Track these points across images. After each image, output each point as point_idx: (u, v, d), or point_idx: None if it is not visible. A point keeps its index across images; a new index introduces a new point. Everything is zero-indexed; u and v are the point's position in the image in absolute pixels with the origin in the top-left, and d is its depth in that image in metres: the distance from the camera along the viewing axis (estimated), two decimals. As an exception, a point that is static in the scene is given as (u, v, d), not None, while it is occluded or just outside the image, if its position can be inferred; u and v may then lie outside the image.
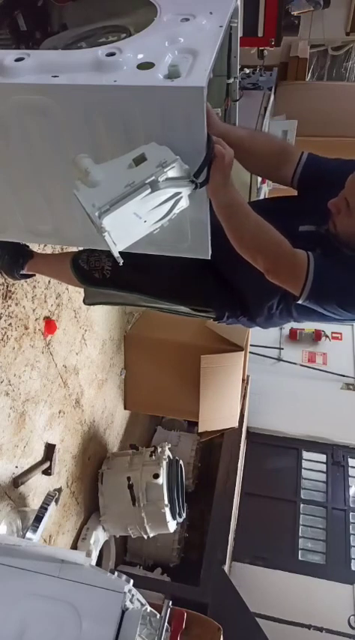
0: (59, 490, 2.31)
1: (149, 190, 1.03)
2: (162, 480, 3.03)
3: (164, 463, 3.10)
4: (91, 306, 2.09)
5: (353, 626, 3.74)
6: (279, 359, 5.47)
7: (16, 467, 2.20)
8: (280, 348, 5.54)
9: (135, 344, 3.61)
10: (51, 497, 2.17)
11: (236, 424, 3.82)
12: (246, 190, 3.26)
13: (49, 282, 2.30)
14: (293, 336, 5.62)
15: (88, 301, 1.92)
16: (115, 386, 3.53)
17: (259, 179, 3.23)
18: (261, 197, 3.37)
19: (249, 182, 3.23)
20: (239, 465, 4.31)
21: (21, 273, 1.95)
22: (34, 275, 2.06)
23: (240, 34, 1.50)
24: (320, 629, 3.70)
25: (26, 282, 2.09)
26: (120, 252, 1.10)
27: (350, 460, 4.89)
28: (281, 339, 5.64)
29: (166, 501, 3.03)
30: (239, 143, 1.29)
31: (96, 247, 1.60)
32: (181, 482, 3.20)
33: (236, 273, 1.56)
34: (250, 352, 4.22)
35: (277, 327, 5.54)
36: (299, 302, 1.32)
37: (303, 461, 4.88)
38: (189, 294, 1.68)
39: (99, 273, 1.72)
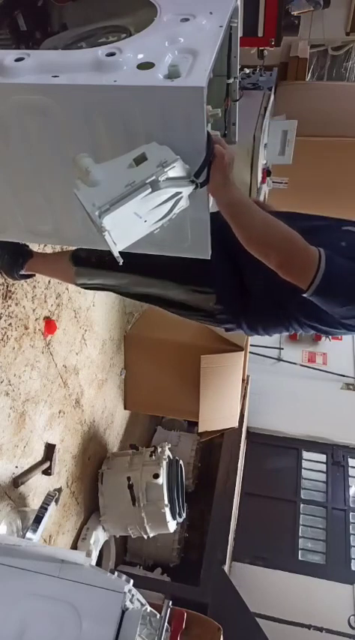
0: (59, 490, 2.31)
1: (149, 190, 1.03)
2: (162, 479, 3.03)
3: (164, 463, 3.10)
4: (86, 290, 1.99)
5: (353, 626, 3.74)
6: (279, 359, 5.47)
7: (16, 467, 2.20)
8: (280, 348, 5.54)
9: (135, 344, 3.61)
10: (51, 497, 2.17)
11: (236, 424, 3.82)
12: (246, 190, 3.26)
13: (49, 282, 2.30)
14: (293, 336, 5.62)
15: (79, 280, 1.81)
16: (115, 386, 3.53)
17: (259, 178, 3.24)
18: (261, 197, 3.38)
19: (249, 182, 3.23)
20: (239, 465, 4.31)
21: (20, 273, 1.95)
22: (34, 275, 2.05)
23: (240, 34, 1.50)
24: (320, 629, 3.70)
25: (26, 282, 2.09)
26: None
27: (350, 460, 4.89)
28: (281, 339, 5.64)
29: (166, 501, 3.03)
30: None
31: (97, 247, 1.59)
32: (181, 482, 3.19)
33: (247, 266, 1.52)
34: (250, 352, 4.22)
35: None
36: (305, 295, 1.30)
37: (303, 461, 4.88)
38: (190, 272, 1.59)
39: (96, 258, 1.71)
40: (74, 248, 1.80)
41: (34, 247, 1.99)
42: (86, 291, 2.72)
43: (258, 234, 1.26)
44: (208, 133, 1.10)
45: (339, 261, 1.30)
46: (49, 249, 2.14)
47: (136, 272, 1.65)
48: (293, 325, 1.61)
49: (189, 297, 1.65)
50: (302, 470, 4.82)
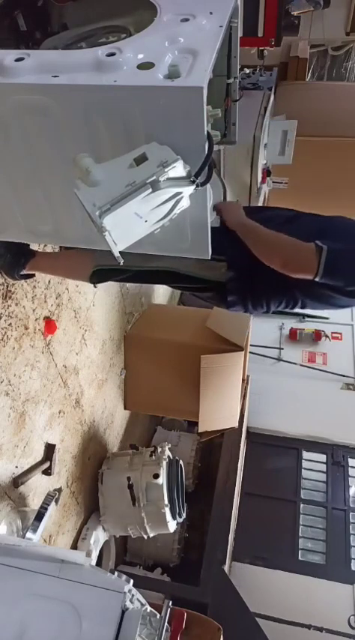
0: (59, 490, 2.31)
1: (150, 190, 1.03)
2: (162, 479, 3.03)
3: (164, 463, 3.10)
4: (86, 290, 2.05)
5: (353, 626, 3.74)
6: (279, 359, 5.47)
7: (16, 467, 2.20)
8: (280, 348, 5.54)
9: (135, 344, 3.60)
10: (51, 497, 2.17)
11: (236, 424, 3.82)
12: (246, 190, 3.26)
13: (49, 282, 2.30)
14: (293, 336, 5.62)
15: (95, 265, 1.83)
16: (115, 386, 3.53)
17: (259, 179, 3.24)
18: (261, 197, 3.38)
19: (249, 182, 3.24)
20: (239, 465, 4.30)
21: (21, 273, 1.95)
22: (34, 275, 2.05)
23: (240, 34, 1.50)
24: (320, 629, 3.69)
25: (26, 282, 2.09)
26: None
27: (350, 460, 4.88)
28: (281, 339, 5.64)
29: (166, 501, 3.03)
30: None
31: (97, 247, 1.59)
32: (181, 482, 3.19)
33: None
34: (250, 352, 4.22)
35: (277, 328, 5.55)
36: (317, 279, 1.54)
37: (303, 461, 4.88)
38: None
39: None
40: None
41: (34, 246, 1.99)
42: (86, 291, 2.73)
43: (263, 244, 1.63)
44: (208, 132, 1.10)
45: (331, 245, 1.54)
46: (49, 249, 2.14)
47: None
48: (295, 297, 1.76)
49: (201, 266, 1.72)
50: (302, 470, 4.82)
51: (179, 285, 1.88)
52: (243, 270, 1.74)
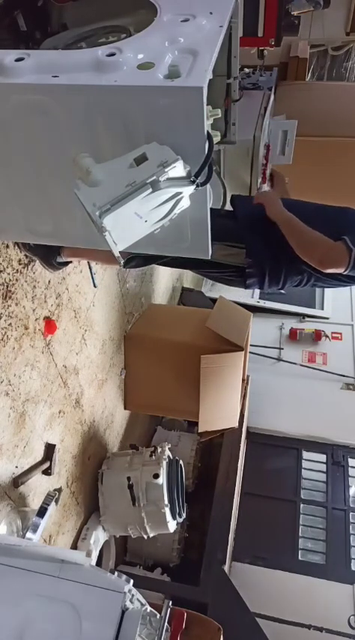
0: (59, 490, 2.31)
1: (150, 190, 1.03)
2: (162, 479, 3.03)
3: (164, 463, 3.10)
4: (86, 291, 2.17)
5: (353, 626, 3.74)
6: (279, 359, 5.46)
7: (16, 467, 2.20)
8: (280, 348, 5.53)
9: (135, 344, 3.60)
10: (51, 497, 2.17)
11: (236, 424, 3.82)
12: (246, 190, 3.26)
13: (49, 281, 2.30)
14: (293, 336, 5.62)
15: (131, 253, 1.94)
16: (115, 386, 3.53)
17: (259, 179, 3.24)
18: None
19: (249, 182, 3.24)
20: (239, 465, 4.30)
21: (59, 261, 2.00)
22: (71, 262, 2.13)
23: (240, 34, 1.50)
24: (320, 629, 3.69)
25: (26, 282, 2.09)
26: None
27: (350, 460, 4.88)
28: (281, 339, 5.64)
29: (166, 501, 3.03)
30: None
31: (97, 247, 1.60)
32: (181, 482, 3.19)
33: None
34: (250, 352, 4.22)
35: (277, 328, 5.55)
36: (346, 272, 1.76)
37: (303, 461, 4.87)
38: (226, 231, 1.90)
39: None
40: None
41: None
42: (86, 291, 2.73)
43: (301, 242, 1.78)
44: (208, 132, 1.10)
45: None
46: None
47: None
48: (309, 276, 1.93)
49: (224, 253, 1.93)
50: (302, 470, 4.81)
51: (205, 270, 2.08)
52: (261, 255, 1.91)
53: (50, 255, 1.97)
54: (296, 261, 1.85)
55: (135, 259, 1.97)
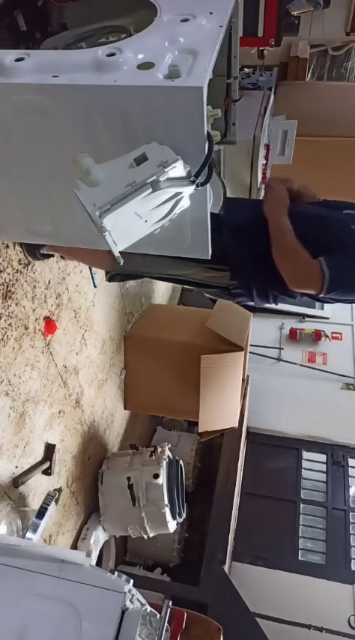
0: (59, 490, 2.31)
1: (150, 190, 1.03)
2: (162, 479, 3.03)
3: (164, 463, 3.10)
4: (111, 282, 2.13)
5: (353, 626, 3.74)
6: (279, 359, 5.46)
7: (16, 467, 2.20)
8: (280, 348, 5.53)
9: (135, 344, 3.60)
10: (51, 497, 2.17)
11: (236, 424, 3.82)
12: (246, 190, 3.26)
13: (49, 282, 2.30)
14: (293, 336, 5.62)
15: (113, 270, 1.96)
16: (115, 386, 3.53)
17: (259, 179, 3.24)
18: (261, 197, 3.37)
19: (249, 182, 3.24)
20: (239, 465, 4.30)
21: (41, 252, 1.99)
22: (53, 255, 2.12)
23: (240, 34, 1.50)
24: (320, 629, 3.69)
25: (26, 282, 2.09)
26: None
27: (350, 460, 4.88)
28: (281, 339, 5.64)
29: (166, 501, 3.03)
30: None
31: (97, 247, 1.60)
32: (181, 482, 3.19)
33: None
34: (250, 352, 4.22)
35: (277, 328, 5.55)
36: (321, 296, 1.64)
37: (303, 461, 4.87)
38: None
39: None
40: None
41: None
42: (86, 291, 2.73)
43: (283, 252, 1.66)
44: (208, 132, 1.10)
45: (338, 262, 1.62)
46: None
47: (164, 255, 1.75)
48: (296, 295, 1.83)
49: (207, 275, 1.84)
50: (302, 470, 4.82)
51: (192, 286, 1.99)
52: (247, 277, 1.82)
53: (34, 245, 1.98)
54: (283, 283, 1.76)
55: (117, 276, 1.98)
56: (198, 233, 1.35)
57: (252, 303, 1.97)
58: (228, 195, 1.70)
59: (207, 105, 1.05)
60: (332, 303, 1.85)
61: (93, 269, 2.71)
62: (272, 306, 1.98)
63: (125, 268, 1.92)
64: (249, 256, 1.77)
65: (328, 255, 1.61)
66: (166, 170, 1.03)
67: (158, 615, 1.54)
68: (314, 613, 3.80)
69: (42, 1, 1.61)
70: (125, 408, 3.78)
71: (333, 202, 1.90)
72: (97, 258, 1.95)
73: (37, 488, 2.37)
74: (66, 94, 1.10)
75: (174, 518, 3.09)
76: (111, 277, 2.00)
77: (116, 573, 1.48)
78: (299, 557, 4.28)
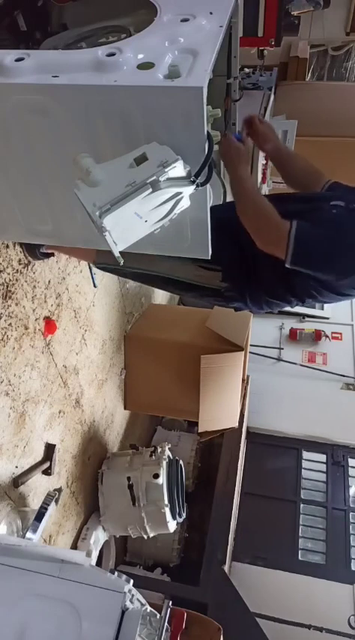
0: (59, 490, 2.31)
1: (150, 190, 1.03)
2: (162, 479, 3.03)
3: (164, 463, 3.10)
4: (100, 271, 2.10)
5: (353, 626, 3.74)
6: (279, 359, 5.46)
7: (16, 467, 2.20)
8: (280, 348, 5.54)
9: (135, 344, 3.60)
10: (51, 497, 2.17)
11: (236, 424, 3.82)
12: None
13: (49, 281, 2.30)
14: (293, 336, 5.62)
15: (99, 260, 1.90)
16: (115, 386, 3.53)
17: (259, 179, 3.24)
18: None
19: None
20: (239, 465, 4.30)
21: (42, 251, 2.01)
22: (54, 255, 2.12)
23: (240, 34, 1.50)
24: (320, 629, 3.69)
25: (26, 282, 2.09)
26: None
27: (350, 460, 4.89)
28: (281, 339, 5.64)
29: (166, 501, 3.03)
30: (277, 154, 1.81)
31: (97, 247, 1.60)
32: (181, 482, 3.19)
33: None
34: (250, 352, 4.22)
35: (277, 328, 5.55)
36: (287, 266, 1.51)
37: (303, 461, 4.88)
38: None
39: None
40: None
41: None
42: (86, 291, 2.73)
43: (244, 207, 1.54)
44: (208, 132, 1.10)
45: (311, 231, 1.50)
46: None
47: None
48: (296, 297, 1.74)
49: (197, 273, 1.75)
50: (302, 470, 4.82)
51: (178, 291, 1.92)
52: (236, 281, 1.75)
53: (34, 245, 1.98)
54: (276, 287, 1.70)
55: (106, 268, 1.96)
56: (198, 233, 1.35)
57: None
58: (229, 194, 1.68)
59: (207, 105, 1.05)
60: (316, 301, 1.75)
61: (93, 269, 2.71)
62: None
63: (110, 259, 1.87)
64: (238, 257, 1.71)
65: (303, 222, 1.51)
66: (166, 170, 1.03)
67: (158, 615, 1.54)
68: (314, 613, 3.80)
69: (42, 1, 1.61)
70: (125, 408, 3.79)
71: (320, 194, 1.77)
72: (83, 251, 1.93)
73: (37, 488, 2.37)
74: (66, 94, 1.10)
75: (174, 518, 3.09)
76: (100, 268, 1.99)
77: (116, 573, 1.48)
78: (299, 557, 4.28)
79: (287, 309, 1.89)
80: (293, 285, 1.68)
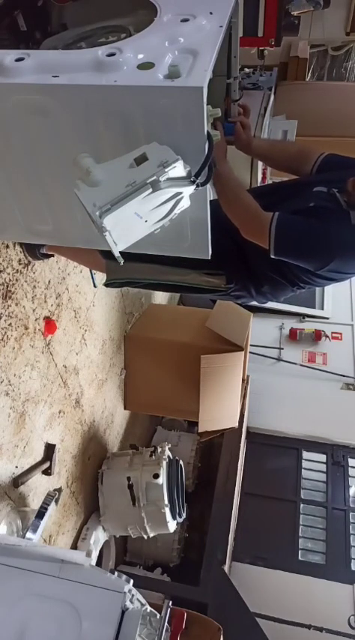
0: (59, 490, 2.31)
1: (150, 190, 1.03)
2: (162, 479, 3.03)
3: (164, 463, 3.10)
4: (108, 288, 2.13)
5: (353, 626, 3.74)
6: (279, 359, 5.46)
7: (16, 467, 2.20)
8: (280, 348, 5.53)
9: (135, 344, 3.60)
10: (51, 497, 2.17)
11: (236, 424, 3.82)
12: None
13: (49, 282, 2.30)
14: (293, 336, 5.62)
15: (109, 279, 1.97)
16: (115, 386, 3.53)
17: (259, 178, 3.24)
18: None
19: (249, 182, 3.24)
20: (239, 465, 4.30)
21: (41, 252, 2.01)
22: (53, 255, 2.12)
23: (240, 34, 1.50)
24: (320, 629, 3.69)
25: (26, 282, 2.09)
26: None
27: (350, 460, 4.88)
28: (281, 339, 5.63)
29: (166, 501, 3.03)
30: (259, 152, 1.82)
31: (97, 247, 1.60)
32: (181, 482, 3.19)
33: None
34: (250, 352, 4.22)
35: (277, 328, 5.56)
36: (272, 256, 1.57)
37: (303, 461, 4.88)
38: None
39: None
40: None
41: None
42: (86, 291, 2.73)
43: (227, 201, 1.57)
44: (208, 132, 1.10)
45: (292, 221, 1.57)
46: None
47: (158, 262, 1.76)
48: (295, 285, 1.81)
49: (204, 279, 1.84)
50: (302, 470, 4.82)
51: (190, 292, 1.98)
52: (240, 280, 1.82)
53: (34, 245, 1.98)
54: (277, 281, 1.78)
55: (115, 283, 2.00)
56: (198, 233, 1.35)
57: (255, 303, 1.97)
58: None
59: (207, 105, 1.05)
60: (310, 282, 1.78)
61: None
62: (274, 305, 1.99)
63: (120, 275, 1.93)
64: (237, 256, 1.77)
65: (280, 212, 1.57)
66: (166, 170, 1.03)
67: (158, 615, 1.54)
68: (314, 613, 3.80)
69: (42, 1, 1.61)
70: (125, 408, 3.79)
71: (306, 180, 1.78)
72: (96, 261, 1.96)
73: (37, 488, 2.37)
74: (66, 94, 1.10)
75: (174, 518, 3.09)
76: (108, 284, 2.01)
77: (116, 573, 1.48)
78: (299, 557, 4.28)
79: (288, 308, 1.93)
80: (284, 273, 1.75)
